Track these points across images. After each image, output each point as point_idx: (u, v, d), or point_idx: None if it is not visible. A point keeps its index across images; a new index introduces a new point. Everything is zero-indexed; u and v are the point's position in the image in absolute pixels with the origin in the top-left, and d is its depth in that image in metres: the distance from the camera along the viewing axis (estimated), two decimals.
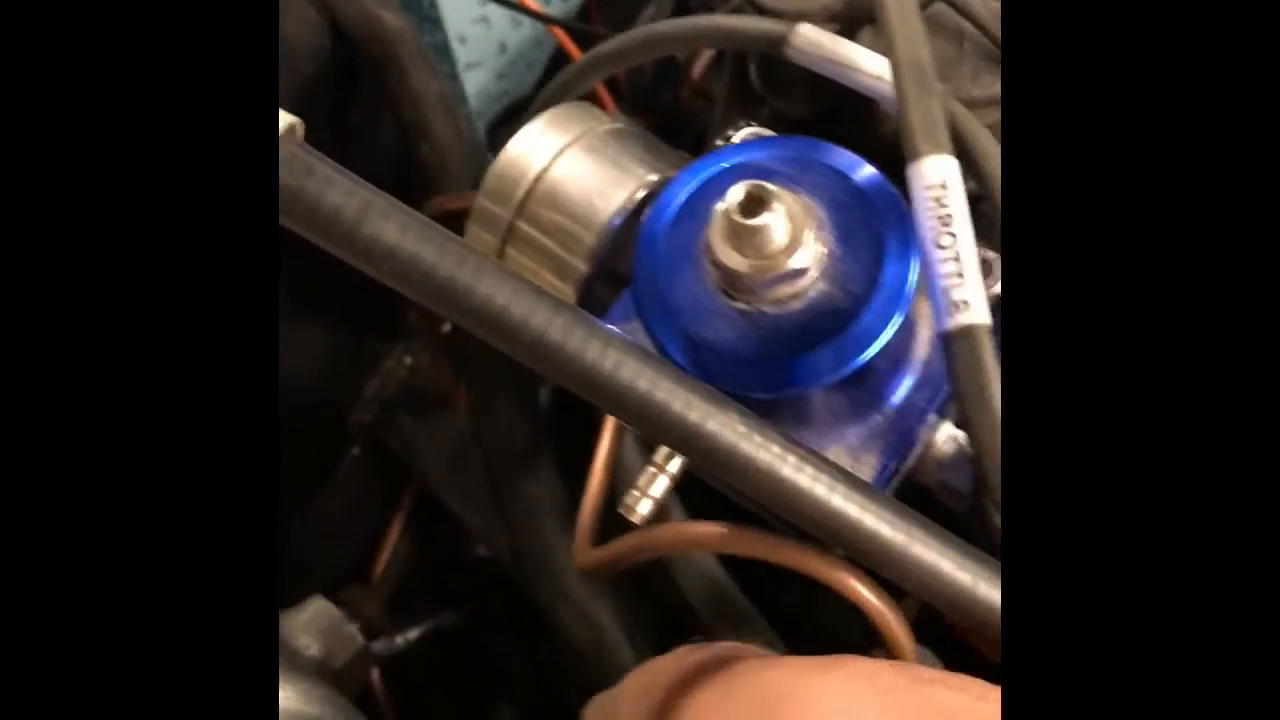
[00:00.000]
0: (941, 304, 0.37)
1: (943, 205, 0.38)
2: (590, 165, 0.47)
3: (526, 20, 0.87)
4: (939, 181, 0.38)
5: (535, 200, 0.47)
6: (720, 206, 0.36)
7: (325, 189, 0.33)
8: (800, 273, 0.37)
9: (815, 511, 0.34)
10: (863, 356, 0.37)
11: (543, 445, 0.61)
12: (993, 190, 0.42)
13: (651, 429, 0.34)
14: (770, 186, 0.35)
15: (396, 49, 0.64)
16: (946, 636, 0.46)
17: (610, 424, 0.52)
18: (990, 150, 0.43)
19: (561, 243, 0.47)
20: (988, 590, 0.35)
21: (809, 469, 0.34)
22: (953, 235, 0.37)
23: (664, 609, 0.61)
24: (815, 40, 0.46)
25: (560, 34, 0.78)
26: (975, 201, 0.40)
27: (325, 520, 0.75)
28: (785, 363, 0.37)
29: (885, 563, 0.35)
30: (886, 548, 0.35)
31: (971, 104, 0.49)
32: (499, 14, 0.87)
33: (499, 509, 0.62)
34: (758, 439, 0.34)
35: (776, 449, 0.34)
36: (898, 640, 0.37)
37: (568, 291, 0.47)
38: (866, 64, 0.45)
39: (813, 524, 0.35)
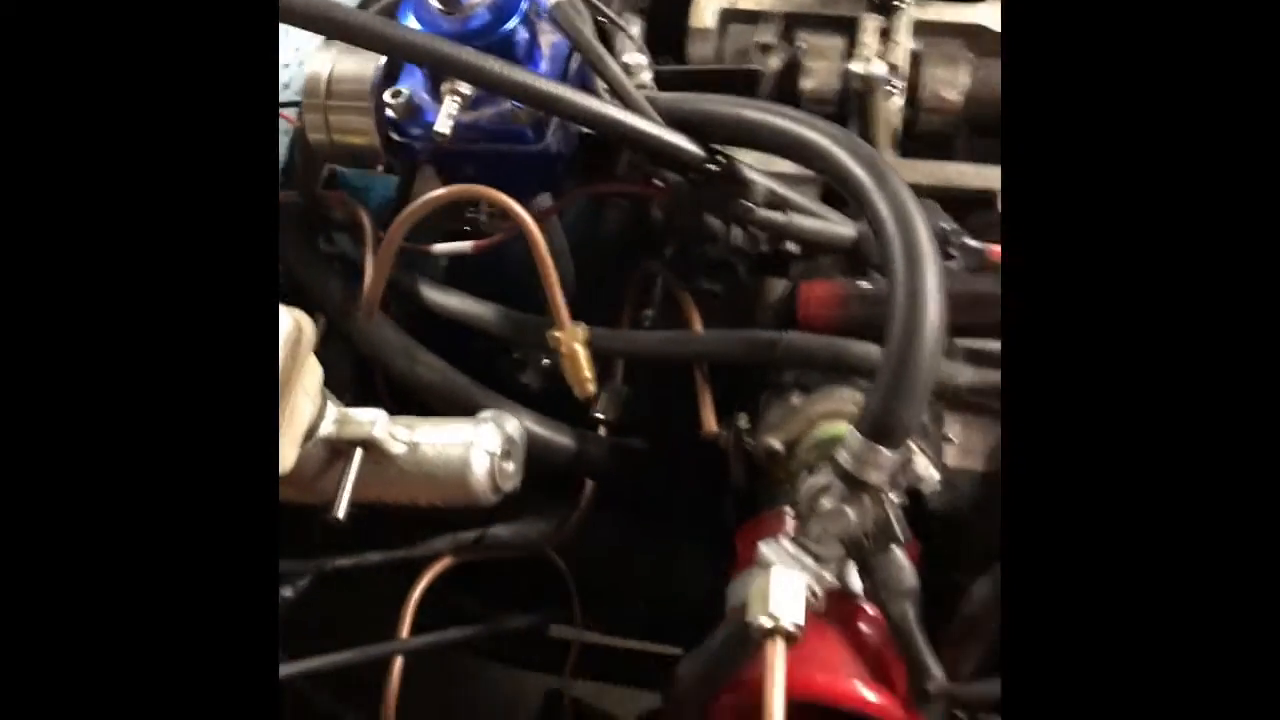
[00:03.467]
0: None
1: None
2: (351, 50, 0.88)
3: None
4: None
5: (332, 85, 0.87)
6: None
7: None
8: None
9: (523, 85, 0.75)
10: (513, 19, 0.79)
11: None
12: None
13: (418, 56, 0.74)
14: None
15: None
16: None
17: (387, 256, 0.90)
18: None
19: (354, 96, 0.87)
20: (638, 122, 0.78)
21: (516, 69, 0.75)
22: None
23: None
24: None
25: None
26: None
27: None
28: (476, 32, 0.79)
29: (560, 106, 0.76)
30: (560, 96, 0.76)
31: None
32: None
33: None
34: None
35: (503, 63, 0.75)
36: (536, 241, 0.78)
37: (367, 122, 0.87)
38: None
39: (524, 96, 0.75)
